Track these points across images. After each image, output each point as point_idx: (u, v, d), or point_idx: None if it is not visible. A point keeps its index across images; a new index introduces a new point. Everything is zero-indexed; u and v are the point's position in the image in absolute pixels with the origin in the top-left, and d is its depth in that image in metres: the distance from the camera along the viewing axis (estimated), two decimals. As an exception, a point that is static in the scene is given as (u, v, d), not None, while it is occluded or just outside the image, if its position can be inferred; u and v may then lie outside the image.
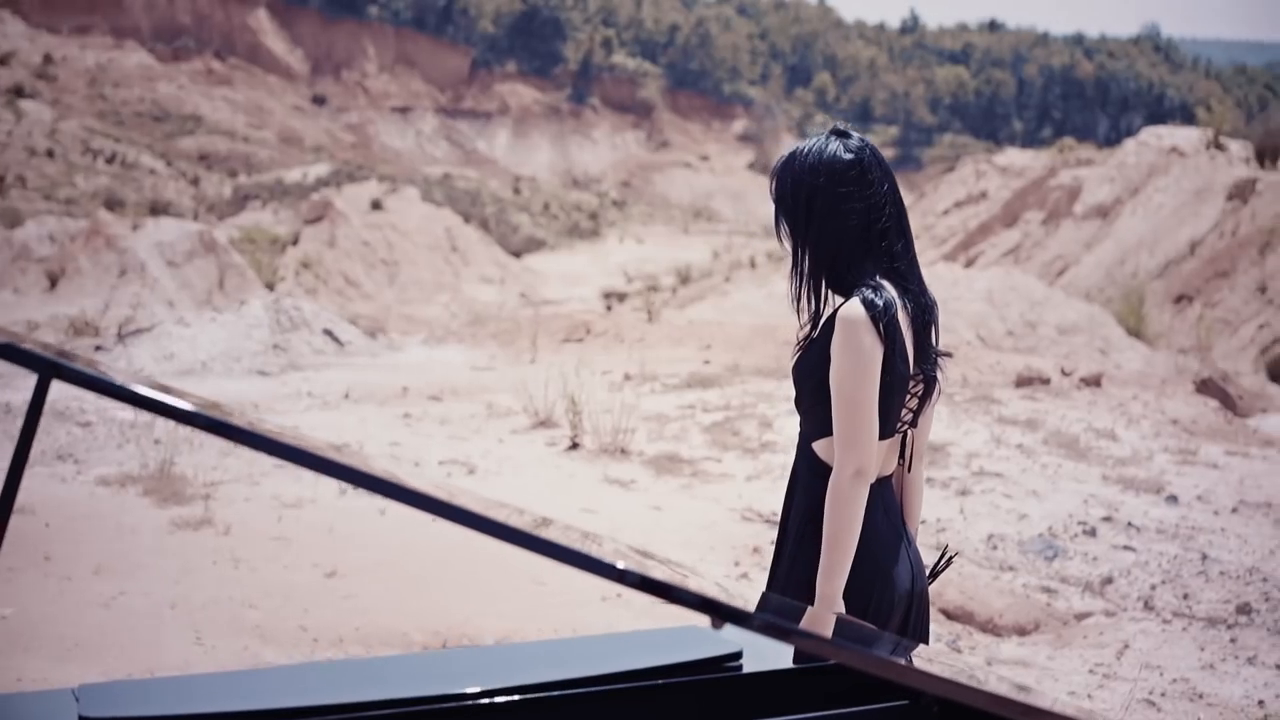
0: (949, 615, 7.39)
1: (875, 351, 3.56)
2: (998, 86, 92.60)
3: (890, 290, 3.66)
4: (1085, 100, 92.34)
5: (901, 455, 3.76)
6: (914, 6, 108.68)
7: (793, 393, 3.77)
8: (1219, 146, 38.76)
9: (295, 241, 45.47)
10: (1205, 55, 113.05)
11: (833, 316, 3.61)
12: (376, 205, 52.77)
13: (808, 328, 3.71)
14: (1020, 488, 9.16)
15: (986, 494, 8.98)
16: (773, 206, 3.72)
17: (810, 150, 3.68)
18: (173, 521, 8.02)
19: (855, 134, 3.77)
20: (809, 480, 3.64)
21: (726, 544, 8.15)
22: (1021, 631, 7.42)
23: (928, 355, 3.70)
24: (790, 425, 10.64)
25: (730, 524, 8.50)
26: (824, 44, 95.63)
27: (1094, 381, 11.98)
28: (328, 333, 14.02)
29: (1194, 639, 7.03)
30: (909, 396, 3.68)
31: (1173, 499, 9.25)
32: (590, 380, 12.17)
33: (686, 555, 7.92)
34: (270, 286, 29.73)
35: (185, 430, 9.99)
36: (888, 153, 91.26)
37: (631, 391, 11.79)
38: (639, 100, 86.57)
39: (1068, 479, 9.46)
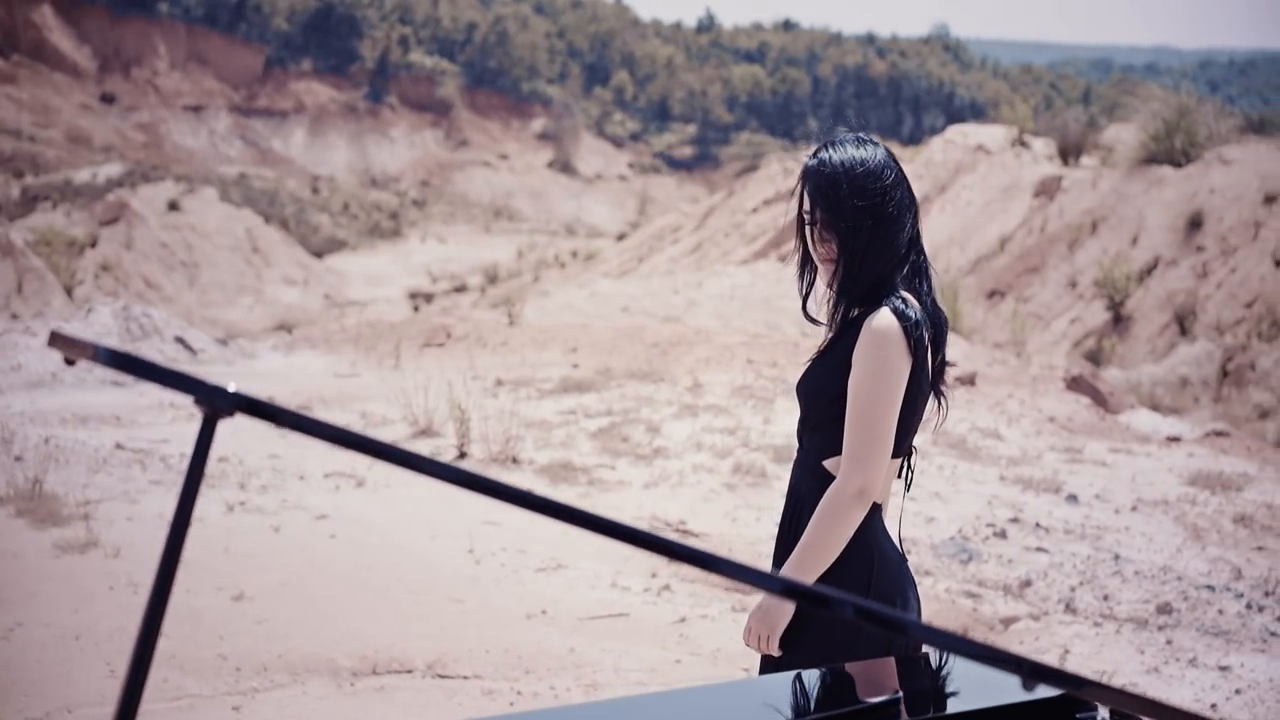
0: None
1: (903, 365, 3.39)
2: (793, 85, 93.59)
3: (914, 301, 3.52)
4: (878, 99, 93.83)
5: (900, 474, 3.63)
6: (710, 6, 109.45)
7: (791, 407, 3.59)
8: (1024, 144, 39.56)
9: (94, 244, 44.16)
10: (992, 55, 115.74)
11: (851, 326, 3.44)
12: (174, 206, 51.56)
13: (827, 341, 3.53)
14: (921, 490, 9.10)
15: (892, 496, 8.91)
16: (808, 212, 3.50)
17: (863, 158, 3.49)
18: (56, 545, 7.56)
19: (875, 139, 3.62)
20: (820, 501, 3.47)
21: (640, 554, 7.94)
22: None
23: (940, 370, 3.57)
24: (679, 430, 10.51)
25: (640, 533, 8.29)
26: (622, 43, 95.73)
27: (969, 380, 12.03)
28: (180, 340, 13.49)
29: (1130, 641, 7.00)
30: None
31: (1073, 498, 9.27)
32: (461, 386, 11.87)
33: (602, 568, 7.71)
34: (69, 291, 28.79)
35: (49, 446, 9.49)
36: (685, 151, 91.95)
37: (508, 397, 11.52)
38: (437, 99, 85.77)
39: (966, 480, 9.43)
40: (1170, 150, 32.46)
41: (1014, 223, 36.00)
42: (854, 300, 3.44)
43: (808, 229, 3.49)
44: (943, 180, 38.58)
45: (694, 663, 6.50)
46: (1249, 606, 7.54)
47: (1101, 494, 9.26)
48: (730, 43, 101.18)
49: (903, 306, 3.44)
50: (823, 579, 3.39)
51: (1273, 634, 7.22)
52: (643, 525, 8.53)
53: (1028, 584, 7.86)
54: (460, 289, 53.98)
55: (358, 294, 54.35)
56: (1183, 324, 30.02)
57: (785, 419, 10.77)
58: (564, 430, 10.53)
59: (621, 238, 59.73)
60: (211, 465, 9.21)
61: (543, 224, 77.78)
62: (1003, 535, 8.35)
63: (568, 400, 11.61)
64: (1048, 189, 36.81)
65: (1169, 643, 6.96)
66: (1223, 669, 6.59)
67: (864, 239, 3.43)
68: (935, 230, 36.60)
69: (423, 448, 10.03)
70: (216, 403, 1.99)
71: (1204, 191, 31.12)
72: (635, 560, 7.84)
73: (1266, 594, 7.73)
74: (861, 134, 3.61)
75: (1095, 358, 27.34)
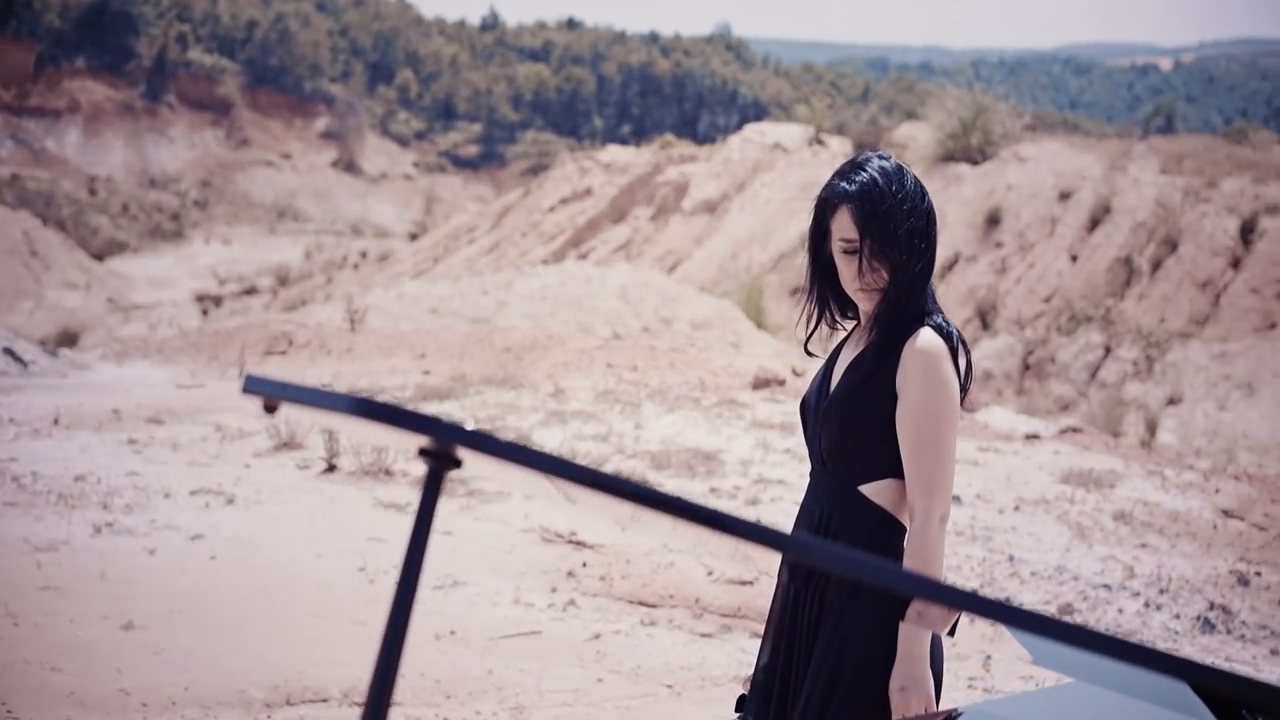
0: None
1: (955, 384, 3.27)
2: (578, 84, 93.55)
3: (948, 316, 3.41)
4: (663, 97, 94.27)
5: None
6: (493, 4, 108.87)
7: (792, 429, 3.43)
8: (820, 143, 40.09)
9: None
10: (774, 54, 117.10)
11: (888, 349, 3.29)
12: (-54, 209, 49.66)
13: (864, 363, 3.36)
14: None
15: (777, 502, 8.81)
16: (850, 240, 3.31)
17: (904, 177, 3.35)
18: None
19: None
20: (861, 528, 3.29)
21: (536, 569, 7.73)
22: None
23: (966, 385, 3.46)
24: (549, 438, 10.29)
25: (531, 546, 8.08)
26: (405, 41, 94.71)
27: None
28: (8, 351, 12.85)
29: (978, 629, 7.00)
30: None
31: (956, 499, 9.29)
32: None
33: (500, 584, 7.48)
34: None
35: (-110, 468, 8.93)
36: (471, 150, 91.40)
37: (363, 406, 11.10)
38: (217, 97, 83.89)
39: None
40: (967, 148, 33.15)
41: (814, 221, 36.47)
42: (897, 323, 3.30)
43: (846, 258, 3.30)
44: (741, 179, 38.88)
45: (616, 681, 6.32)
46: (1146, 605, 7.60)
47: (982, 494, 9.30)
48: (515, 41, 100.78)
49: (943, 323, 3.31)
50: (876, 616, 3.24)
51: (1176, 633, 7.28)
52: (534, 537, 8.33)
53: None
54: (250, 291, 52.81)
55: (142, 297, 52.88)
56: (984, 318, 30.65)
57: (656, 424, 10.64)
58: (431, 440, 10.22)
59: (414, 238, 59.07)
60: (67, 484, 8.76)
61: (328, 224, 76.60)
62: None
63: (427, 408, 11.29)
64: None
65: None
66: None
67: (918, 262, 3.29)
68: (736, 228, 36.86)
69: (287, 461, 9.68)
70: (452, 441, 1.79)
71: (1001, 189, 31.81)
72: (531, 575, 7.63)
73: (1161, 591, 7.80)
74: (881, 152, 3.47)
75: (898, 352, 27.73)
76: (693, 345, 14.74)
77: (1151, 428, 21.20)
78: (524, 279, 28.04)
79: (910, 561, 3.21)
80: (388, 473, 9.33)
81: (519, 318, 23.77)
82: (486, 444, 1.69)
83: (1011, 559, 8.01)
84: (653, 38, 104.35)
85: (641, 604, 7.30)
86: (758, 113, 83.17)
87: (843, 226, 3.29)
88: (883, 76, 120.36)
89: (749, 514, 8.52)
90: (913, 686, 3.17)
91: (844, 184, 3.32)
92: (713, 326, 26.80)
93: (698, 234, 38.32)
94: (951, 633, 3.12)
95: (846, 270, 3.30)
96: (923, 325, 3.25)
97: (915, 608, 3.15)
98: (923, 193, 3.34)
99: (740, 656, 6.60)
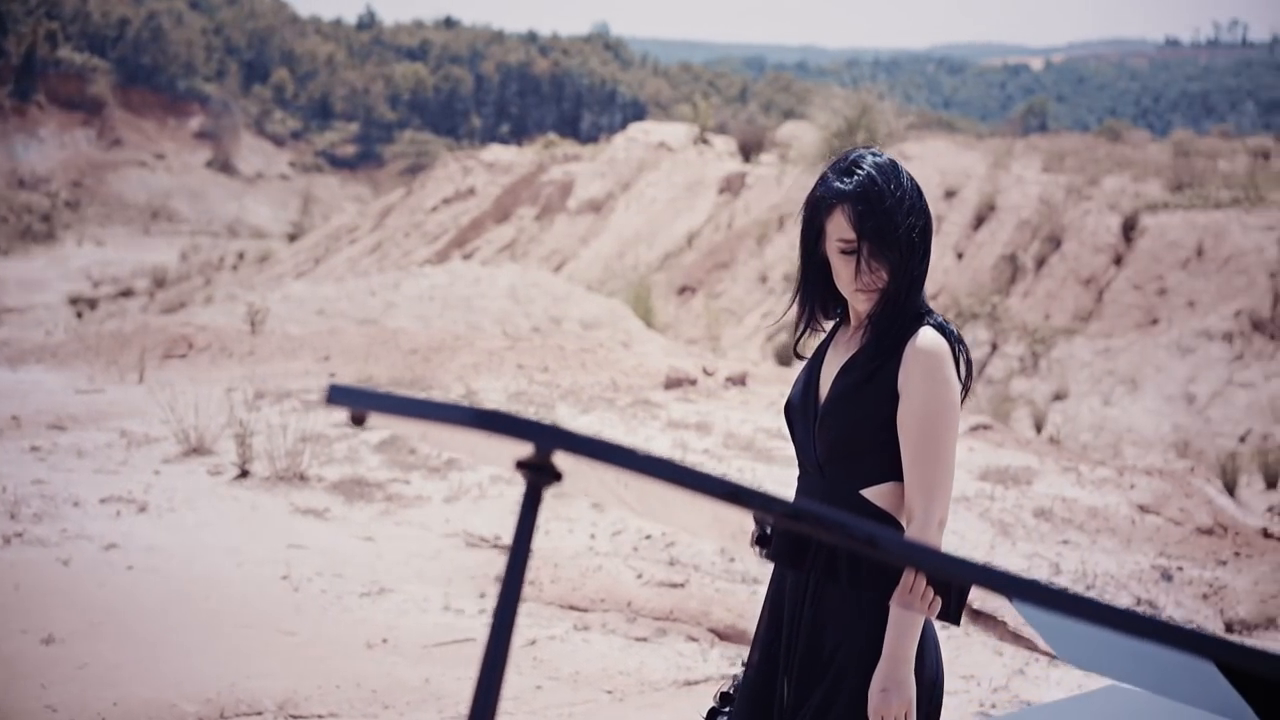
0: (721, 635, 7.10)
1: (958, 384, 3.23)
2: (456, 83, 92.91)
3: (945, 316, 3.36)
4: (542, 96, 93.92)
5: None
6: (370, 3, 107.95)
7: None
8: (705, 142, 40.10)
9: None
10: (652, 53, 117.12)
11: (886, 349, 3.23)
12: None
13: (865, 361, 3.29)
14: (730, 494, 8.97)
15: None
16: (849, 241, 3.24)
17: (900, 173, 3.28)
18: None
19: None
20: None
21: (463, 574, 7.61)
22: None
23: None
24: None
25: (456, 551, 7.95)
26: (280, 40, 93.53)
27: (740, 380, 12.00)
28: (-108, 358, 12.45)
29: (982, 644, 7.00)
30: None
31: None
32: (220, 400, 11.25)
33: (428, 590, 7.35)
34: None
35: None
36: (348, 150, 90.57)
37: (272, 410, 10.94)
38: (88, 96, 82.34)
39: (768, 482, 9.35)
40: (853, 147, 33.30)
41: (701, 219, 36.44)
42: (895, 323, 3.23)
43: (844, 259, 3.22)
44: (626, 178, 38.80)
45: (555, 688, 6.22)
46: (1075, 601, 7.63)
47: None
48: (391, 40, 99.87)
49: (943, 322, 3.26)
50: (876, 618, 3.18)
51: (1106, 627, 7.32)
52: (458, 542, 8.21)
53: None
54: (126, 294, 51.90)
55: (14, 300, 51.80)
56: (872, 316, 30.78)
57: (571, 426, 10.49)
58: (344, 444, 10.08)
59: (293, 238, 58.35)
60: (-30, 494, 8.49)
61: (204, 225, 75.54)
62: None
63: (338, 412, 11.10)
64: (732, 186, 37.38)
65: (1018, 640, 6.98)
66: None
67: (917, 261, 3.23)
68: (623, 227, 36.82)
69: (197, 467, 9.45)
70: (552, 446, 1.71)
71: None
72: (459, 581, 7.50)
73: (1087, 588, 7.84)
74: (873, 149, 3.40)
75: (788, 352, 27.84)
76: (601, 346, 14.67)
77: (1039, 423, 21.43)
78: (412, 279, 27.80)
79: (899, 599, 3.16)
80: (303, 478, 9.15)
81: (408, 318, 23.52)
82: (633, 461, 1.61)
83: (938, 557, 8.01)
84: (531, 37, 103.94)
85: (573, 608, 7.21)
86: (636, 112, 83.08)
87: (839, 227, 3.22)
88: (759, 76, 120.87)
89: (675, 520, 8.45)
90: (894, 689, 3.10)
91: (839, 183, 3.25)
92: (603, 326, 26.72)
93: (583, 233, 38.24)
94: (956, 620, 3.06)
95: (844, 271, 3.23)
96: (922, 325, 3.20)
97: (903, 592, 3.10)
98: (919, 190, 3.28)
99: (678, 660, 6.52)
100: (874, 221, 3.19)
